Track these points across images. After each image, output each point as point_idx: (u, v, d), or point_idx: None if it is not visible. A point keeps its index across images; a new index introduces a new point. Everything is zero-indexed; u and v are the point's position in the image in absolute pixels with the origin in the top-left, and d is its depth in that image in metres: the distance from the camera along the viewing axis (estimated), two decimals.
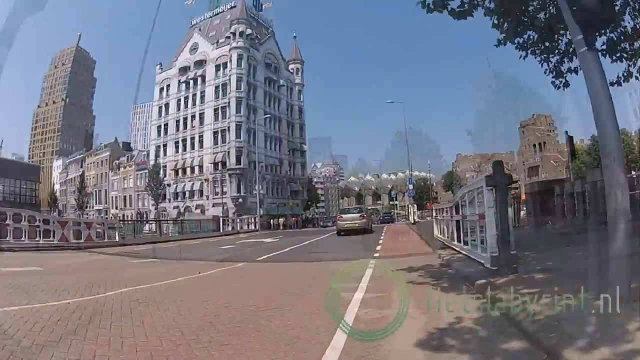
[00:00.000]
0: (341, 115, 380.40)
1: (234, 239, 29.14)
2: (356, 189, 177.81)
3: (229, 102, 74.99)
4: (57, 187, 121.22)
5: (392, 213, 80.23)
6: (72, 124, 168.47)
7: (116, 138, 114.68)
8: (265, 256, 14.48)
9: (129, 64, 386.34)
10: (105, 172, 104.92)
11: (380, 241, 18.61)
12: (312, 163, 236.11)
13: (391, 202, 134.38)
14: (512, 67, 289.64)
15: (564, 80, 11.32)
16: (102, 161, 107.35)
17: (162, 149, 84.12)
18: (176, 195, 79.86)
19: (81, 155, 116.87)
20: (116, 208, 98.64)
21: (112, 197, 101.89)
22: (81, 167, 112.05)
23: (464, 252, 9.93)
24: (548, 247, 9.96)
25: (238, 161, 71.82)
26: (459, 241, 11.07)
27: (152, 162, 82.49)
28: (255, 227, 50.89)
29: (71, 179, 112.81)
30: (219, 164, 74.16)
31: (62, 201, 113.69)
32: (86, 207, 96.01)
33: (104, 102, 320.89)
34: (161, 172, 79.40)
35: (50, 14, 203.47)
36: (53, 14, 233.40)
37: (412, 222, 35.38)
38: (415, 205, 39.27)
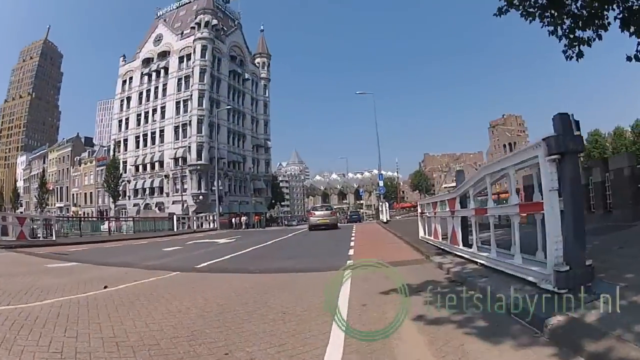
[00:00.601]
0: (309, 111, 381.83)
1: (186, 238, 25.84)
2: (322, 188, 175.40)
3: (191, 95, 71.43)
4: (20, 183, 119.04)
5: (360, 212, 77.22)
6: (37, 118, 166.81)
7: (78, 133, 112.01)
8: (209, 263, 11.18)
9: (97, 58, 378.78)
10: (67, 168, 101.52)
11: (352, 243, 15.71)
12: (278, 162, 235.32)
13: (358, 202, 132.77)
14: (484, 68, 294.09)
15: (577, 50, 9.94)
16: (63, 157, 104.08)
17: (122, 144, 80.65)
18: (136, 192, 76.11)
19: (44, 151, 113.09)
20: (77, 205, 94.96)
21: (73, 194, 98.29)
22: (44, 163, 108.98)
23: (479, 261, 7.01)
24: (595, 250, 7.01)
25: (199, 157, 68.23)
26: (466, 245, 8.23)
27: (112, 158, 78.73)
28: (214, 225, 47.68)
29: (34, 175, 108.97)
30: (180, 159, 70.54)
31: (25, 198, 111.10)
32: (46, 205, 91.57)
33: (72, 97, 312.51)
34: (121, 168, 75.88)
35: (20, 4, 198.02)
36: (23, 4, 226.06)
37: (384, 220, 32.48)
38: (387, 203, 36.20)
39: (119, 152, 79.76)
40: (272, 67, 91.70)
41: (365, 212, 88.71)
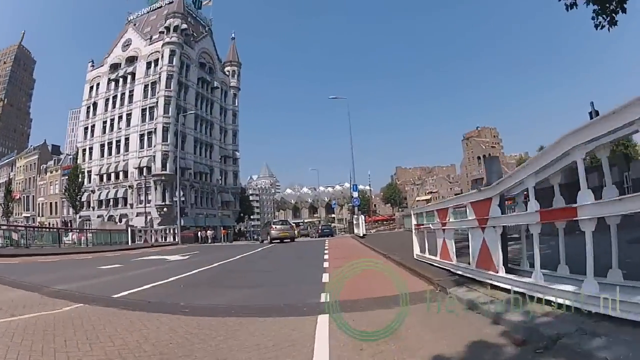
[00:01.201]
0: (280, 124, 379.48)
1: (137, 254, 22.82)
2: (292, 201, 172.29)
3: (157, 102, 67.78)
4: None
5: (332, 226, 74.10)
6: (8, 125, 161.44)
7: (45, 140, 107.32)
8: (134, 290, 8.02)
9: (72, 65, 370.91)
10: (34, 177, 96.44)
11: (326, 264, 12.64)
12: (248, 175, 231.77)
13: (330, 215, 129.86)
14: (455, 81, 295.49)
15: (608, 17, 9.05)
16: (30, 165, 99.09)
17: (87, 152, 76.15)
18: (100, 202, 71.75)
19: (12, 158, 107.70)
20: (42, 215, 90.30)
21: (39, 203, 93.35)
22: (12, 170, 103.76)
23: (556, 300, 4.04)
24: None
25: (164, 166, 64.62)
26: (509, 270, 5.52)
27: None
28: (176, 239, 44.45)
29: (2, 183, 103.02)
30: (144, 169, 66.77)
31: None
32: (10, 215, 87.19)
33: (44, 104, 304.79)
34: (85, 177, 73.01)
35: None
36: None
37: (361, 235, 29.33)
38: (363, 216, 32.88)
39: (83, 160, 75.65)
40: (243, 77, 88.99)
41: (337, 226, 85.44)
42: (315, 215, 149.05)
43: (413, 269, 8.77)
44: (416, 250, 10.42)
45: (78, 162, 74.34)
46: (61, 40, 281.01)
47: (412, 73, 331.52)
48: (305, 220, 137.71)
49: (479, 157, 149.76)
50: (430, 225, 9.12)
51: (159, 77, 68.82)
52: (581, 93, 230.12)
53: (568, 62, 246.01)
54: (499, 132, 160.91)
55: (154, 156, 65.57)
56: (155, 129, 66.71)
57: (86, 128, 77.95)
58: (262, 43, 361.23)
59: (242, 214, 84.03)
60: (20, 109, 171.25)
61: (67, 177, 75.72)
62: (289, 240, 33.50)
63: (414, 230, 11.03)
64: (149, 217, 63.94)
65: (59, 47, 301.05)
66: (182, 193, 64.30)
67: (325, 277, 9.35)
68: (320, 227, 65.93)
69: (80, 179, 70.26)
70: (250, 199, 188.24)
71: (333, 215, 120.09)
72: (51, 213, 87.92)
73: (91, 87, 79.32)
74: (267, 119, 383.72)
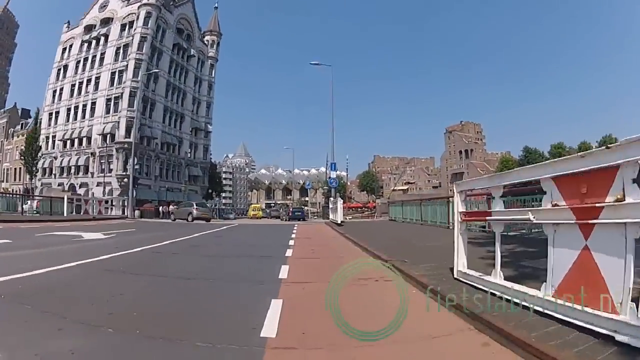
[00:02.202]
0: (258, 104, 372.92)
1: (55, 227, 19.12)
2: (266, 182, 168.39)
3: (127, 65, 62.70)
4: None
5: (304, 209, 69.28)
6: None
7: (15, 103, 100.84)
8: None
9: (55, 31, 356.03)
10: (1, 141, 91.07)
11: (284, 274, 7.52)
12: (224, 153, 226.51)
13: (304, 199, 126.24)
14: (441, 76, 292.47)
15: None
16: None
17: (54, 116, 70.89)
18: (62, 170, 66.77)
19: None
20: (7, 181, 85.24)
21: (4, 168, 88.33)
22: None
23: None
24: None
25: (127, 134, 59.68)
26: None
27: (44, 129, 70.33)
28: (126, 212, 40.21)
29: None
30: (108, 136, 62.00)
31: None
32: None
33: (27, 70, 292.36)
34: (50, 142, 68.97)
35: None
36: None
37: (338, 222, 25.01)
38: (341, 200, 28.31)
39: (49, 125, 70.56)
40: (225, 53, 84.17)
41: (310, 210, 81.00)
42: (288, 197, 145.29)
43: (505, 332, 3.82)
44: (460, 262, 6.11)
45: (38, 125, 68.89)
46: (48, 6, 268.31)
47: (398, 65, 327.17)
48: (278, 202, 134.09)
49: (460, 152, 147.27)
50: (532, 217, 4.36)
51: (132, 39, 63.72)
52: (567, 94, 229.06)
53: (553, 66, 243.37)
54: (482, 128, 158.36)
55: (119, 122, 60.76)
56: (122, 93, 61.77)
57: (54, 91, 72.39)
58: (247, 23, 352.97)
59: (210, 191, 79.14)
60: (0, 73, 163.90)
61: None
62: (207, 220, 35.64)
63: (457, 225, 6.38)
64: (108, 188, 59.44)
65: (45, 13, 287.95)
66: (140, 162, 60.56)
67: (272, 317, 4.50)
68: (291, 209, 61.31)
69: (38, 143, 64.99)
70: (224, 176, 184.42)
71: (307, 199, 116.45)
72: (15, 179, 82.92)
73: (64, 49, 73.71)
74: (248, 99, 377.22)
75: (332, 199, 34.76)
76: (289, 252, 11.06)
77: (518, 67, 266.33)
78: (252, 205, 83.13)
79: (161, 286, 6.36)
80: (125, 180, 58.63)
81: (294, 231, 20.85)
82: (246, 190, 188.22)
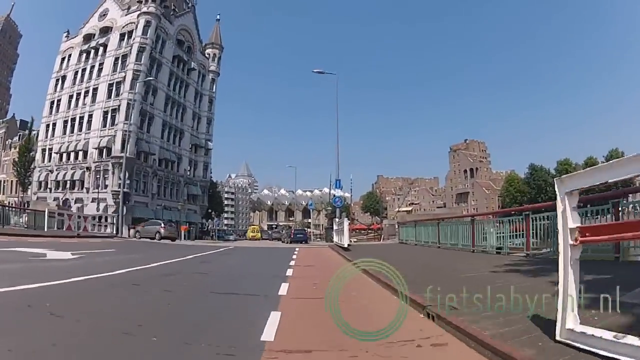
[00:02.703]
0: (262, 121, 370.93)
1: (38, 242, 17.40)
2: (269, 202, 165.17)
3: (124, 76, 59.71)
4: None
5: (307, 231, 65.44)
6: None
7: (14, 114, 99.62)
8: None
9: (57, 42, 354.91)
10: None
11: (269, 334, 4.24)
12: (227, 173, 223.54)
13: (307, 220, 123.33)
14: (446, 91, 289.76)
15: None
16: None
17: (51, 128, 67.51)
18: (57, 184, 63.02)
19: None
20: (3, 193, 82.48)
21: (2, 180, 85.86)
22: None
23: None
24: None
25: (124, 148, 56.51)
26: None
27: (41, 141, 67.24)
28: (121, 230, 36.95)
29: None
30: (104, 150, 58.75)
31: None
32: None
33: (30, 80, 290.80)
34: (44, 154, 65.47)
35: None
36: None
37: (345, 245, 21.59)
38: (347, 221, 23.75)
39: (46, 137, 67.16)
40: (226, 68, 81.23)
41: (313, 232, 77.02)
42: (291, 219, 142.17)
43: None
44: (569, 315, 3.42)
45: (31, 135, 66.21)
46: (52, 17, 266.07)
47: (401, 82, 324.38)
48: (281, 223, 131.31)
49: (465, 171, 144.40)
50: None
51: (130, 49, 60.83)
52: (575, 112, 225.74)
53: (563, 82, 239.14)
54: (487, 147, 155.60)
55: (115, 136, 57.56)
56: (119, 105, 58.68)
57: (52, 102, 68.82)
58: (249, 36, 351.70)
59: (210, 210, 75.35)
60: (1, 84, 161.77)
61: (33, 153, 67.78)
62: (172, 239, 36.39)
63: (565, 250, 3.53)
64: (103, 204, 55.92)
65: (48, 24, 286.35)
66: (136, 179, 58.27)
67: None
68: (293, 231, 57.48)
69: (31, 154, 62.04)
70: (226, 196, 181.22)
71: (309, 220, 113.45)
72: (11, 192, 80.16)
73: (63, 59, 70.48)
74: (249, 116, 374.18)
75: (336, 219, 30.71)
76: (283, 289, 7.78)
77: (516, 76, 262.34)
78: (251, 227, 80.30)
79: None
80: (120, 196, 55.46)
81: (294, 256, 17.55)
82: (248, 211, 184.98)
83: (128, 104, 57.91)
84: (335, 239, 27.68)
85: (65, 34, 72.42)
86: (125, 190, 46.85)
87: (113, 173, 56.85)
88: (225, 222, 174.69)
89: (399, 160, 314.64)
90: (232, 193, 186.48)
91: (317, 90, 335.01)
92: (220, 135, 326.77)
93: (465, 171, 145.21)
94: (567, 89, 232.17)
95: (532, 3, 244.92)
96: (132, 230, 53.37)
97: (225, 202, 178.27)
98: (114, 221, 54.42)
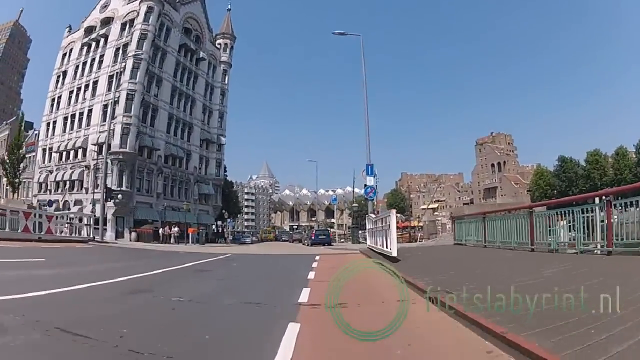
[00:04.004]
0: (282, 122, 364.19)
1: None
2: (290, 203, 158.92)
3: (125, 66, 53.15)
4: None
5: (330, 231, 57.39)
6: None
7: (18, 115, 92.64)
8: None
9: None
10: (2, 155, 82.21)
11: None
12: (249, 174, 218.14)
13: (330, 220, 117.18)
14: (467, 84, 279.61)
15: None
16: (1, 142, 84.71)
17: (51, 126, 61.79)
18: (57, 185, 57.20)
19: None
20: (6, 197, 75.48)
21: (4, 183, 78.96)
22: None
23: None
24: None
25: (123, 143, 50.24)
26: None
27: (41, 140, 62.17)
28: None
29: None
30: (104, 146, 52.39)
31: None
32: None
33: (39, 85, 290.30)
34: (45, 154, 60.37)
35: None
36: None
37: (393, 254, 12.68)
38: (394, 215, 15.08)
39: (46, 136, 61.65)
40: (243, 63, 74.51)
41: (336, 232, 69.32)
42: (313, 219, 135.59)
43: None
44: None
45: (22, 130, 61.10)
46: (61, 20, 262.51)
47: (425, 77, 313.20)
48: (302, 224, 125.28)
49: (492, 165, 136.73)
50: None
51: (131, 37, 54.48)
52: (602, 107, 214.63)
53: (591, 75, 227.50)
54: (513, 139, 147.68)
55: (114, 130, 51.12)
56: (119, 97, 52.26)
57: (53, 99, 63.09)
58: (266, 33, 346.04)
59: (224, 211, 68.29)
60: (11, 88, 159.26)
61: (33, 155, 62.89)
62: None
63: None
64: (95, 205, 49.46)
65: (58, 27, 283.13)
66: (139, 177, 52.86)
67: None
68: (314, 231, 50.15)
69: (22, 152, 56.47)
70: (246, 197, 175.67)
71: (333, 220, 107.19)
72: (13, 195, 73.76)
73: (64, 55, 64.64)
74: (269, 116, 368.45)
75: (371, 215, 21.29)
76: None
77: (542, 72, 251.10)
78: (263, 229, 74.39)
79: None
80: (120, 196, 49.16)
81: (312, 270, 11.12)
82: (269, 212, 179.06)
83: (128, 94, 51.61)
84: (370, 241, 19.99)
85: (67, 29, 66.47)
86: (110, 187, 41.91)
87: (112, 171, 50.48)
88: (246, 223, 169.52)
89: (422, 157, 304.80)
90: (253, 194, 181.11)
91: (339, 88, 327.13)
92: (240, 136, 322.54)
93: (493, 165, 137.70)
94: (586, 83, 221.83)
95: None
96: (133, 234, 47.81)
97: (246, 203, 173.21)
98: (114, 224, 49.00)
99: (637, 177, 69.42)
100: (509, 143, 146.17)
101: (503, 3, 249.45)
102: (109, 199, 40.60)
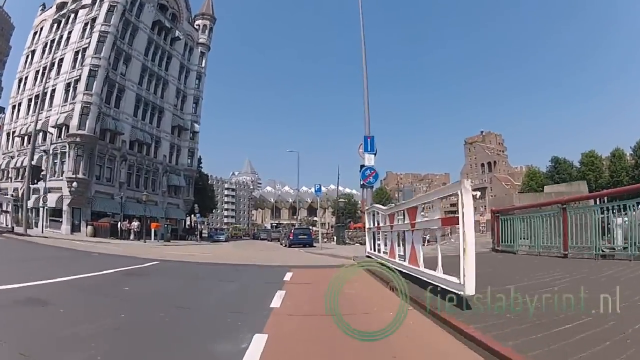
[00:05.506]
0: (265, 116, 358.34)
1: None
2: (272, 200, 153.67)
3: (90, 40, 47.47)
4: None
5: (312, 230, 50.32)
6: None
7: None
8: None
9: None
10: None
11: None
12: (231, 170, 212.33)
13: (312, 218, 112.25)
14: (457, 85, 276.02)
15: None
16: None
17: (16, 108, 55.89)
18: (17, 172, 51.01)
19: None
20: None
21: None
22: None
23: None
24: None
25: (82, 124, 44.43)
26: None
27: (7, 124, 56.41)
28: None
29: None
30: (63, 128, 46.54)
31: None
32: None
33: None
34: (9, 139, 54.79)
35: None
36: None
37: (467, 291, 4.95)
38: (471, 193, 8.42)
39: (11, 120, 55.75)
40: (233, 52, 68.76)
41: (320, 232, 63.18)
42: (294, 217, 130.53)
43: None
44: None
45: None
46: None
47: (414, 73, 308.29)
48: (283, 222, 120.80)
49: (482, 165, 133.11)
50: None
51: (100, 10, 48.57)
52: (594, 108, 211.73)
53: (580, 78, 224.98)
54: (504, 139, 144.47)
55: (73, 110, 45.33)
56: (81, 73, 46.59)
57: (20, 80, 57.37)
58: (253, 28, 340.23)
59: (196, 205, 62.22)
60: None
61: None
62: None
63: None
64: (58, 194, 43.65)
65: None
66: (100, 164, 47.31)
67: None
68: (292, 230, 44.22)
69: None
70: (226, 193, 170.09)
71: (316, 218, 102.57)
72: None
73: (35, 33, 58.77)
74: (252, 111, 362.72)
75: (380, 207, 11.20)
76: None
77: (531, 76, 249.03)
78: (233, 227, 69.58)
79: None
80: (76, 184, 43.43)
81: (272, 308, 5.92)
82: (250, 209, 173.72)
83: (91, 70, 45.70)
84: (377, 249, 11.89)
85: (40, 7, 60.14)
86: (36, 164, 39.10)
87: (69, 156, 44.66)
88: (226, 220, 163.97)
89: (408, 157, 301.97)
90: (233, 190, 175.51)
91: (330, 90, 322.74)
92: (223, 133, 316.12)
93: (483, 165, 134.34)
94: (572, 87, 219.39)
95: None
96: (89, 228, 42.25)
97: (226, 199, 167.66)
98: (70, 216, 43.47)
99: (634, 180, 65.55)
100: (499, 143, 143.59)
101: (495, 4, 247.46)
102: (35, 181, 34.99)
